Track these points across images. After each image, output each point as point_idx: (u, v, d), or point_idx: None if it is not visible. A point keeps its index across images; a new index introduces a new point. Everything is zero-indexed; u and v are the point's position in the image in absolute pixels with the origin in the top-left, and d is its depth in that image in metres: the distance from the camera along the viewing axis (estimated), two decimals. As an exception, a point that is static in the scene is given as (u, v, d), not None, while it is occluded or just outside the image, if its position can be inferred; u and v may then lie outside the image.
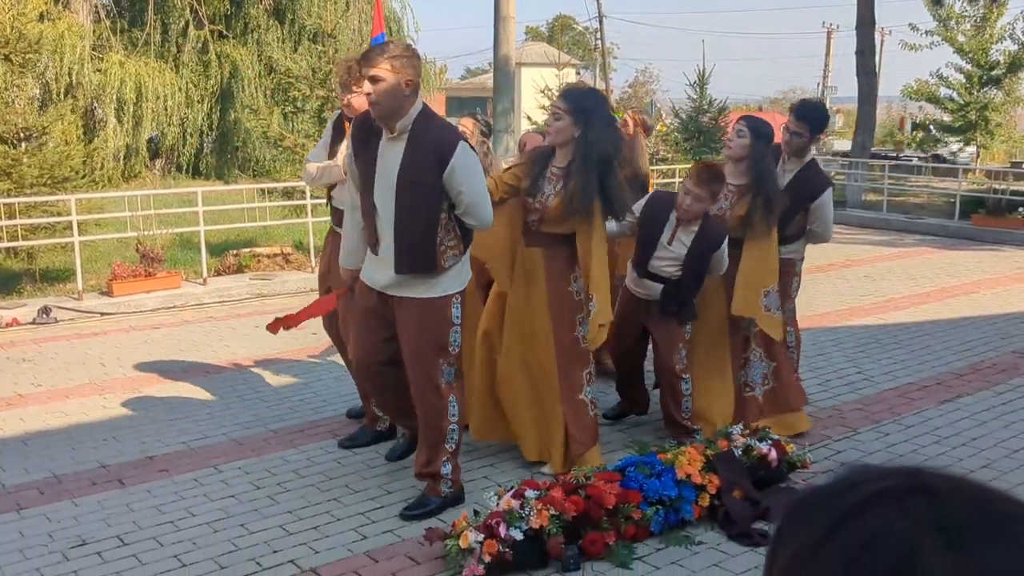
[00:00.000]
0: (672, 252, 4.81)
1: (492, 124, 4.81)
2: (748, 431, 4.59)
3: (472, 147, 4.27)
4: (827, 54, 43.86)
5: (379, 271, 4.12)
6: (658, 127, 17.70)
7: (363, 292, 4.23)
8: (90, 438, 5.27)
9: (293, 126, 13.41)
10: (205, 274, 9.36)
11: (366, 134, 4.08)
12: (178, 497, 4.45)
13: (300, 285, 9.34)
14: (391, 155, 3.99)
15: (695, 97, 16.12)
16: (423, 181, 3.94)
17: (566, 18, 62.07)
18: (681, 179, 13.58)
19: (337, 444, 5.13)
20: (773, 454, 4.44)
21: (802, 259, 5.52)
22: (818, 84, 44.19)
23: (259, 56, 24.55)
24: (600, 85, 40.31)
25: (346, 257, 4.47)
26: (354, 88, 4.73)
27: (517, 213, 4.62)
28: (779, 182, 5.04)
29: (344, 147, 4.77)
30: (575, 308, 4.61)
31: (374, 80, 3.86)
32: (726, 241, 4.81)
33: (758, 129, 4.89)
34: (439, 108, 52.89)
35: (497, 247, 4.60)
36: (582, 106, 4.39)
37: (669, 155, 16.10)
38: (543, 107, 15.41)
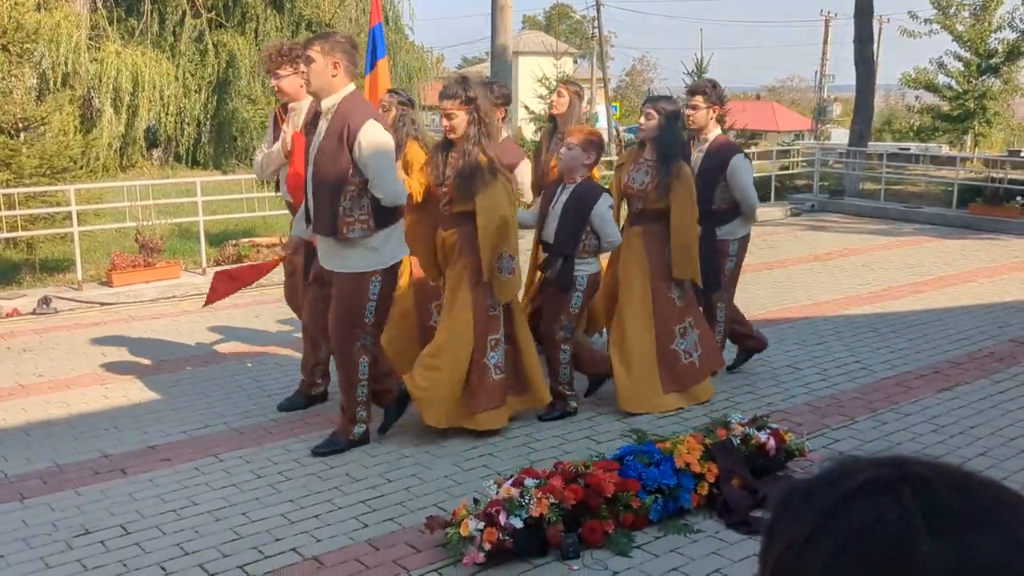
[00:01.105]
0: (554, 213, 5.24)
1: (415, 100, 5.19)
2: (747, 422, 4.62)
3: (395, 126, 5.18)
4: (825, 42, 43.76)
5: (320, 246, 4.74)
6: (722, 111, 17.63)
7: (316, 262, 4.89)
8: (92, 428, 5.29)
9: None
10: (204, 264, 9.37)
11: (316, 116, 4.71)
12: (180, 486, 4.48)
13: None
14: (320, 131, 4.55)
15: (693, 86, 16.11)
16: (331, 153, 4.45)
17: (563, 6, 61.90)
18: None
19: (277, 408, 5.56)
20: (771, 443, 4.47)
21: (736, 241, 5.90)
22: (816, 72, 44.11)
23: (257, 45, 24.45)
24: (597, 73, 40.22)
25: (295, 225, 5.08)
26: (279, 73, 5.14)
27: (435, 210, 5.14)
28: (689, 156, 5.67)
29: (284, 131, 5.15)
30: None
31: (307, 60, 4.45)
32: (603, 201, 5.19)
33: (664, 109, 5.41)
34: (436, 97, 52.65)
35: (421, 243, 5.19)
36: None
37: (742, 147, 16.12)
38: (541, 96, 15.40)
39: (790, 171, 16.61)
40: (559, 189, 5.31)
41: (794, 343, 6.97)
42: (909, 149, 20.93)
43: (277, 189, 5.75)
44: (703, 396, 5.58)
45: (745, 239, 6.01)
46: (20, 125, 9.76)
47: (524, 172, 5.91)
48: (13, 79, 10.27)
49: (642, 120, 5.48)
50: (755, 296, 8.63)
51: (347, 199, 4.48)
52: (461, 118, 4.84)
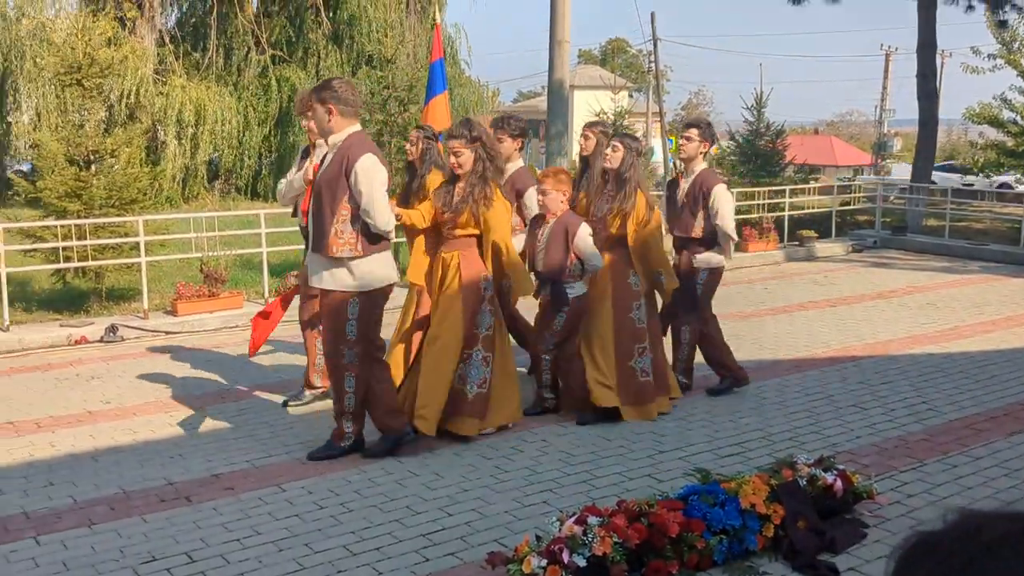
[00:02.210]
0: (542, 245, 5.83)
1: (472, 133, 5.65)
2: (813, 463, 4.53)
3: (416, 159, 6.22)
4: (885, 76, 43.30)
5: (310, 264, 5.26)
6: (712, 150, 17.54)
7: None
8: (157, 455, 5.38)
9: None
10: (266, 294, 9.52)
11: (320, 149, 5.35)
12: (244, 515, 4.52)
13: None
14: (325, 163, 5.10)
15: (752, 120, 16.03)
16: (330, 180, 4.99)
17: (620, 41, 62.16)
18: (737, 202, 13.50)
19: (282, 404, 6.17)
20: (839, 484, 4.38)
21: (707, 271, 6.36)
22: (876, 107, 43.63)
23: (318, 80, 24.95)
24: (653, 107, 40.23)
25: (309, 255, 5.54)
26: (308, 115, 5.64)
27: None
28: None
29: (307, 164, 5.66)
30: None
31: (310, 110, 5.18)
32: (583, 229, 5.73)
33: (629, 146, 6.00)
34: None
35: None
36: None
37: (725, 178, 16.02)
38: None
39: (851, 207, 16.40)
40: (542, 224, 5.88)
41: (858, 382, 6.84)
42: (972, 185, 20.54)
43: (294, 214, 6.41)
44: (653, 414, 5.99)
45: (717, 272, 6.45)
46: (91, 157, 10.05)
47: (532, 197, 6.27)
48: (85, 112, 10.57)
49: (608, 152, 6.01)
50: (817, 333, 8.51)
51: (339, 222, 4.98)
52: (467, 155, 5.48)
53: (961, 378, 6.94)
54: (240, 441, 5.61)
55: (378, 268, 5.09)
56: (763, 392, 6.61)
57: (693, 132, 6.36)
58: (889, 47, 46.32)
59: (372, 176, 4.92)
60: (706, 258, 6.33)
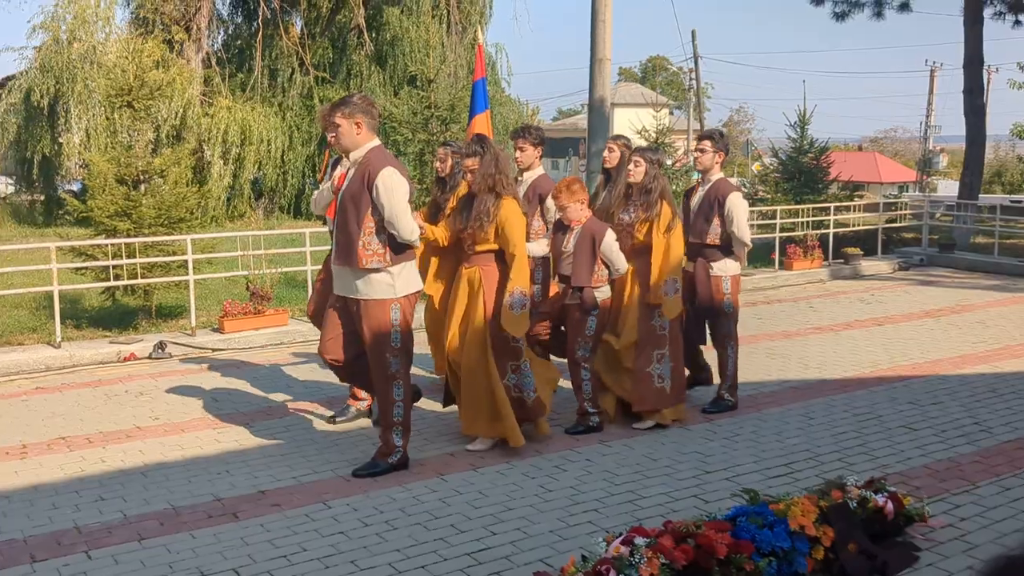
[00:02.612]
0: (568, 251, 6.02)
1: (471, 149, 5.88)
2: (863, 485, 4.46)
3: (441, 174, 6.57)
4: (930, 93, 42.79)
5: (337, 278, 5.36)
6: (755, 167, 17.41)
7: (332, 296, 5.48)
8: (205, 471, 5.44)
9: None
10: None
11: (344, 166, 5.38)
12: (290, 532, 4.55)
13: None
14: (348, 178, 5.24)
15: (795, 137, 15.91)
16: (354, 195, 5.15)
17: (660, 59, 62.13)
18: (781, 220, 13.40)
19: (327, 420, 6.29)
20: (889, 507, 4.31)
21: (728, 278, 6.51)
22: (921, 123, 43.10)
23: (360, 100, 25.18)
24: (694, 125, 40.13)
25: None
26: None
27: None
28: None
29: (334, 175, 5.75)
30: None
31: (334, 127, 5.22)
32: (609, 236, 5.96)
33: (649, 158, 6.24)
34: (532, 149, 53.40)
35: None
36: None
37: (768, 196, 15.90)
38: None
39: (897, 224, 16.19)
40: (567, 231, 6.05)
41: (908, 402, 6.73)
42: (1021, 202, 20.17)
43: (325, 223, 6.69)
44: (667, 419, 6.19)
45: (737, 278, 6.62)
46: (140, 177, 10.23)
47: (552, 203, 6.46)
48: (135, 133, 10.77)
49: (630, 168, 6.25)
50: (864, 353, 8.40)
51: (366, 235, 5.14)
52: (479, 174, 5.64)
53: (1014, 398, 6.81)
54: (286, 458, 5.65)
55: (409, 274, 5.31)
56: (810, 412, 6.53)
57: (707, 144, 6.57)
58: (935, 63, 45.84)
59: (394, 189, 5.10)
60: (723, 265, 6.52)
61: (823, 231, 14.14)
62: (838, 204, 14.92)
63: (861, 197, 16.99)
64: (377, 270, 5.17)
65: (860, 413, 6.48)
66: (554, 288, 6.40)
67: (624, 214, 6.29)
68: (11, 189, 28.02)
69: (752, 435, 6.02)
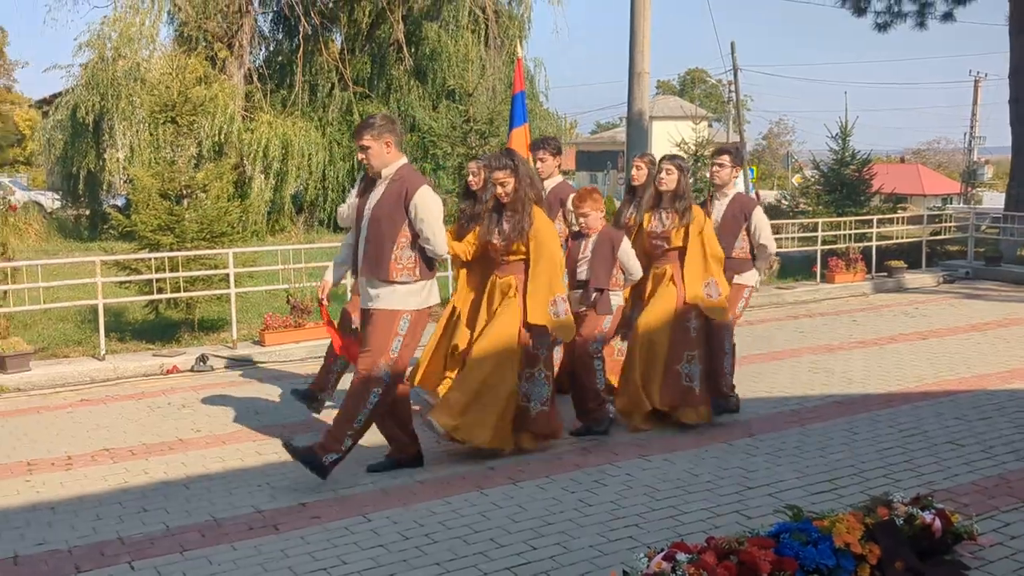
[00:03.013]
0: (585, 256, 6.25)
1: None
2: (910, 501, 4.37)
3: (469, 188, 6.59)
4: (974, 103, 42.18)
5: (362, 290, 5.46)
6: (795, 179, 17.23)
7: (359, 313, 5.64)
8: (246, 483, 5.47)
9: (435, 182, 13.77)
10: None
11: (369, 182, 5.53)
12: (330, 544, 4.56)
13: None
14: (375, 194, 5.38)
15: (837, 149, 15.75)
16: (389, 210, 5.30)
17: (699, 71, 61.92)
18: (822, 232, 13.25)
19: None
20: (937, 524, 4.22)
21: (751, 288, 6.84)
22: (965, 134, 42.50)
23: (400, 114, 25.41)
24: (733, 137, 39.89)
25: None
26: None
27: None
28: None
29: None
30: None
31: (363, 148, 5.36)
32: (626, 242, 6.28)
33: (680, 166, 6.42)
34: (569, 162, 53.42)
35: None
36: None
37: (810, 208, 15.74)
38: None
39: (941, 236, 15.95)
40: (583, 239, 6.29)
41: (954, 418, 6.61)
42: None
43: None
44: (691, 417, 6.32)
45: (752, 289, 6.89)
46: (183, 192, 10.38)
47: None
48: (178, 149, 10.93)
49: (663, 176, 6.37)
50: (909, 367, 8.26)
51: (399, 248, 5.31)
52: (512, 184, 5.76)
53: (1065, 414, 6.65)
54: (326, 470, 5.66)
55: (428, 290, 5.47)
56: (854, 427, 6.43)
57: (725, 159, 6.75)
58: (979, 73, 45.17)
59: (431, 206, 5.32)
60: (747, 277, 6.76)
61: (866, 244, 13.96)
62: (881, 216, 14.74)
63: (904, 209, 16.75)
64: (404, 283, 5.34)
65: (905, 428, 6.37)
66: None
67: (656, 221, 6.44)
68: (58, 204, 28.59)
69: (795, 450, 5.93)
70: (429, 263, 5.43)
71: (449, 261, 8.04)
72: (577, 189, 6.85)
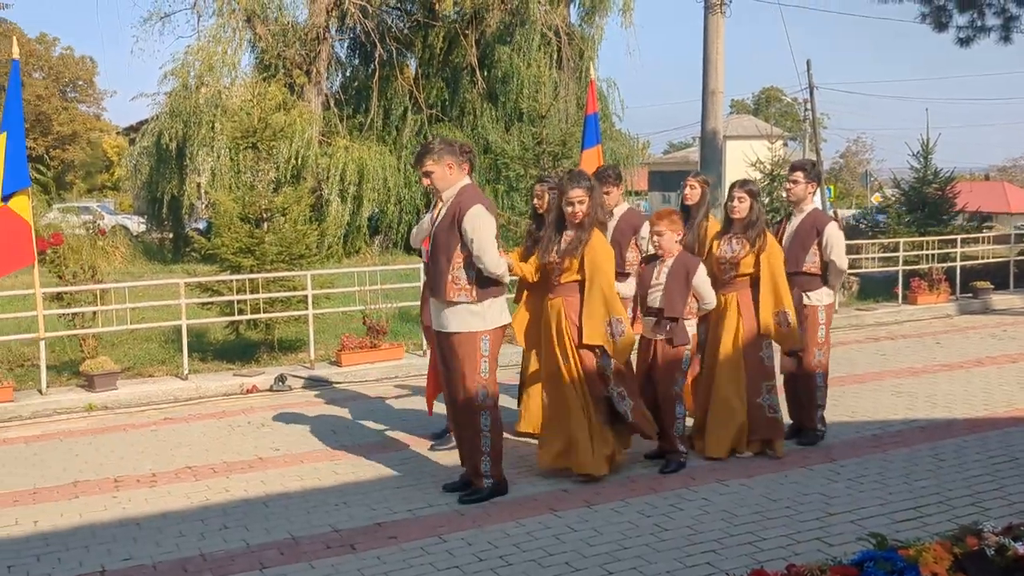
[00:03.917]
0: (659, 283, 6.05)
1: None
2: (1001, 531, 4.21)
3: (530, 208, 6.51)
4: (1063, 118, 40.76)
5: (431, 310, 5.60)
6: (874, 198, 16.87)
7: (432, 336, 5.76)
8: (323, 502, 5.54)
9: (508, 204, 13.82)
10: (425, 346, 9.73)
11: (437, 207, 5.59)
12: (406, 565, 4.58)
13: (513, 357, 9.50)
14: (439, 216, 5.49)
15: (918, 167, 15.38)
16: (445, 231, 5.40)
17: (774, 90, 61.21)
18: (904, 252, 12.94)
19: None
20: (1031, 556, 4.05)
21: (823, 308, 6.59)
22: (1054, 150, 41.10)
23: (473, 137, 25.62)
24: (810, 155, 39.27)
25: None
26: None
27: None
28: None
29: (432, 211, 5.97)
30: None
31: (426, 174, 5.45)
32: (701, 269, 6.06)
33: (753, 192, 6.34)
34: (642, 182, 53.21)
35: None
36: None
37: (890, 227, 15.37)
38: (754, 180, 15.16)
39: (1031, 256, 15.43)
40: (657, 264, 6.12)
41: (1047, 444, 6.36)
42: None
43: (420, 255, 7.04)
44: (780, 452, 6.18)
45: (831, 307, 6.73)
46: (263, 215, 10.61)
47: (645, 231, 6.81)
48: (258, 173, 11.18)
49: (735, 204, 6.27)
50: (997, 391, 8.00)
51: (455, 268, 5.36)
52: (587, 204, 5.73)
53: None
54: (402, 490, 5.71)
55: (497, 309, 5.51)
56: (939, 453, 6.24)
57: (799, 175, 6.64)
58: (1067, 87, 43.68)
59: (481, 224, 5.34)
60: (818, 295, 6.61)
61: (949, 264, 13.58)
62: (965, 236, 14.33)
63: (990, 228, 16.26)
64: (465, 303, 5.38)
65: (994, 455, 6.16)
66: (637, 327, 6.33)
67: (726, 247, 6.34)
68: (143, 228, 29.50)
69: (878, 476, 5.78)
70: (487, 282, 5.42)
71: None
72: (647, 213, 6.81)
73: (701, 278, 6.07)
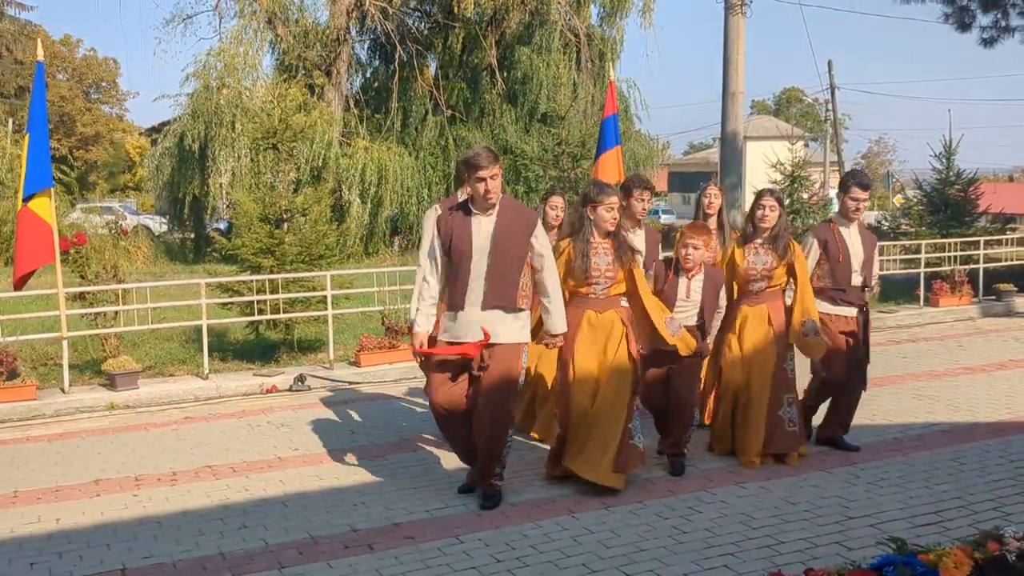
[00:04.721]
0: (691, 301, 5.97)
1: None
2: (1023, 536, 4.18)
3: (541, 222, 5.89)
4: (1089, 119, 40.35)
5: (465, 324, 5.35)
6: (896, 200, 16.78)
7: (445, 350, 5.41)
8: (342, 502, 5.56)
9: (527, 205, 13.83)
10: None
11: (459, 217, 5.39)
12: (423, 566, 4.59)
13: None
14: (488, 224, 5.34)
15: (940, 168, 15.27)
16: (516, 240, 5.36)
17: (795, 91, 60.91)
18: (925, 254, 12.83)
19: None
20: (1053, 561, 4.01)
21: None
22: (1079, 151, 40.70)
23: (493, 138, 25.63)
24: (831, 157, 39.07)
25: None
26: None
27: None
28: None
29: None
30: None
31: (494, 177, 5.29)
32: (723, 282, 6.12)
33: (781, 201, 6.30)
34: (662, 183, 53.02)
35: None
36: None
37: (912, 229, 15.26)
38: (774, 181, 15.11)
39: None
40: (682, 279, 6.00)
41: (1071, 449, 6.30)
42: None
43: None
44: (796, 461, 6.15)
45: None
46: (283, 216, 10.66)
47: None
48: (278, 174, 11.23)
49: (765, 213, 6.16)
50: (1021, 394, 7.94)
51: (524, 275, 5.43)
52: (618, 211, 5.72)
53: None
54: (419, 491, 5.72)
55: (529, 321, 5.58)
56: (961, 457, 6.19)
57: (868, 194, 6.49)
58: (1092, 87, 43.24)
59: (547, 240, 5.53)
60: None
61: (972, 266, 13.48)
62: (988, 238, 14.20)
63: (1014, 230, 16.12)
64: (524, 310, 5.45)
65: (1017, 460, 6.10)
66: None
67: (754, 258, 6.20)
68: (164, 228, 29.71)
69: (898, 480, 5.74)
70: (529, 292, 5.51)
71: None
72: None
73: (723, 291, 6.14)
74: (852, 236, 6.42)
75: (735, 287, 6.31)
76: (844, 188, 6.47)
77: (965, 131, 18.79)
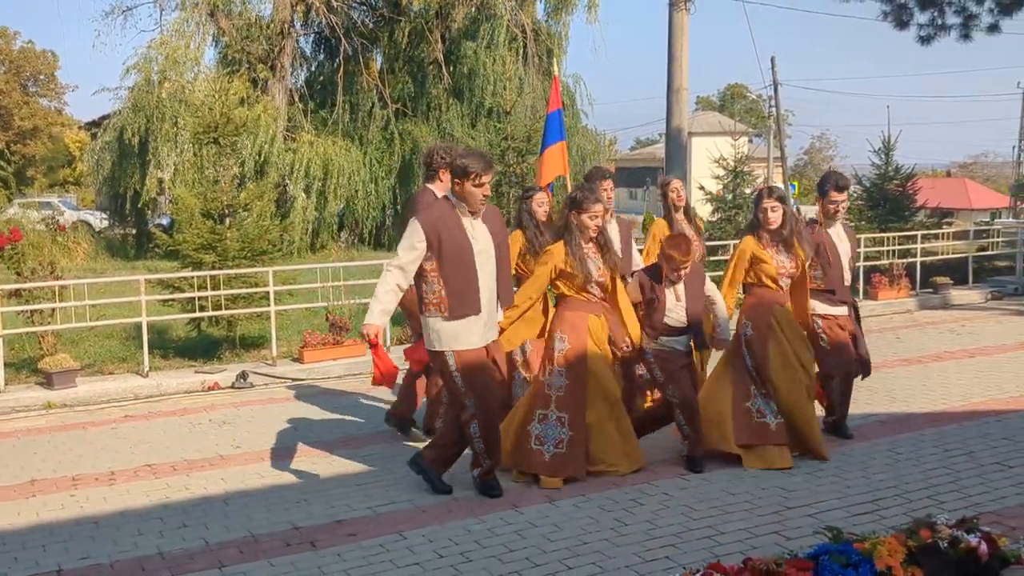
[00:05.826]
0: (681, 302, 5.91)
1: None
2: (955, 524, 4.28)
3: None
4: (1023, 115, 41.46)
5: (480, 327, 5.34)
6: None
7: (475, 354, 5.35)
8: (283, 500, 5.51)
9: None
10: (389, 343, 9.70)
11: (449, 224, 5.28)
12: (366, 562, 4.57)
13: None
14: (480, 228, 5.38)
15: (879, 164, 15.57)
16: (503, 244, 5.60)
17: (738, 87, 61.64)
18: (865, 248, 13.05)
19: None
20: (983, 548, 4.12)
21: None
22: (1014, 147, 41.80)
23: (439, 133, 25.57)
24: (774, 152, 39.59)
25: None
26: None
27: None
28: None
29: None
30: None
31: (488, 183, 5.33)
32: (708, 279, 6.12)
33: (783, 198, 6.19)
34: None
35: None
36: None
37: (852, 224, 15.54)
38: (717, 177, 15.27)
39: (989, 252, 15.67)
40: (669, 289, 5.90)
41: (1002, 438, 6.46)
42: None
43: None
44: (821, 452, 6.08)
45: None
46: (225, 211, 10.52)
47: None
48: (220, 169, 11.08)
49: (769, 214, 6.06)
50: (955, 385, 8.11)
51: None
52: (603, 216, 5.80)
53: (1117, 435, 6.47)
54: (363, 488, 5.69)
55: None
56: (897, 447, 6.32)
57: (846, 195, 6.63)
58: (1026, 85, 44.44)
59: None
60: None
61: (910, 260, 13.76)
62: (926, 232, 14.52)
63: (950, 224, 16.51)
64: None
65: (950, 449, 6.25)
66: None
67: (784, 258, 6.09)
68: (105, 223, 29.15)
69: (836, 470, 5.84)
70: None
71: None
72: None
73: (711, 287, 6.10)
74: (839, 236, 6.55)
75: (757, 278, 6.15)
76: (822, 192, 6.49)
77: (904, 127, 19.19)
